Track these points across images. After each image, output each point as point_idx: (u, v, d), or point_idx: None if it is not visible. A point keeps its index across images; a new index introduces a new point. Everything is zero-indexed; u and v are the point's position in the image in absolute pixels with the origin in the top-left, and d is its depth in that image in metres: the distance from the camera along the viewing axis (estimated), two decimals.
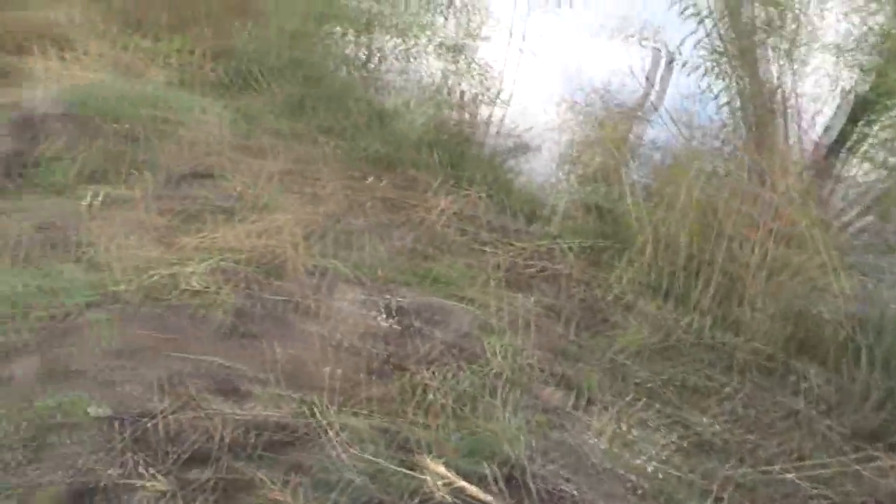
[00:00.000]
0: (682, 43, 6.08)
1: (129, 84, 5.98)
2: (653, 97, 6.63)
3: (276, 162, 5.32)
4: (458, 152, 6.30)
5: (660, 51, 6.63)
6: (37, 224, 4.22)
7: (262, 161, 5.31)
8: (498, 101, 6.93)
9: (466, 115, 7.08)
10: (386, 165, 5.96)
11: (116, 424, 2.76)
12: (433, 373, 3.22)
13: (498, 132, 6.71)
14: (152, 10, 8.83)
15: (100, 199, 4.60)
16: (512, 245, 4.55)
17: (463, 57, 7.27)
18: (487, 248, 4.51)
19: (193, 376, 3.02)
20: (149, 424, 2.76)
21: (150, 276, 3.53)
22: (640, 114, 6.45)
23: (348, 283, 3.89)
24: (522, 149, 6.59)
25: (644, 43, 6.37)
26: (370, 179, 5.43)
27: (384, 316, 3.51)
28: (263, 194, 4.62)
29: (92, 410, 2.83)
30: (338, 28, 8.06)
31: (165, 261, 3.70)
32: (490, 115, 6.98)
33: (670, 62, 6.57)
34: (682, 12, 5.78)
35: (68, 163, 4.90)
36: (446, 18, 7.84)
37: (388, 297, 3.66)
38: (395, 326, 3.48)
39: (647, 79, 6.69)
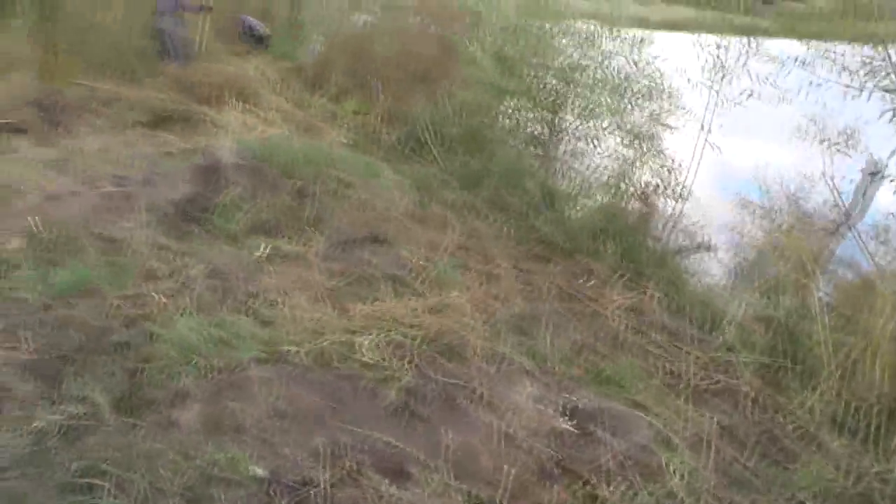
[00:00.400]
0: (892, 155, 5.80)
1: (307, 141, 6.49)
2: (850, 209, 6.28)
3: (450, 235, 5.50)
4: (633, 244, 6.24)
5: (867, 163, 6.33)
6: (210, 270, 4.61)
7: (436, 232, 5.52)
8: (679, 194, 6.89)
9: (644, 206, 7.06)
10: (558, 249, 6.02)
11: (275, 488, 2.89)
12: (609, 485, 3.14)
13: (674, 227, 6.62)
14: (334, 73, 9.69)
15: (267, 250, 4.95)
16: (686, 352, 4.40)
17: (647, 145, 7.31)
18: (661, 352, 4.38)
19: (357, 450, 3.12)
20: (308, 493, 2.87)
21: (322, 340, 3.73)
22: (834, 226, 6.12)
23: (525, 375, 3.91)
24: (701, 247, 6.41)
25: (843, 150, 6.09)
26: (549, 265, 5.48)
27: (560, 415, 3.46)
28: (437, 267, 4.78)
29: (253, 470, 2.99)
30: (520, 103, 8.41)
31: (338, 326, 3.90)
32: (668, 208, 6.96)
33: (875, 174, 6.24)
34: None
35: (244, 213, 5.33)
36: (634, 104, 7.94)
37: (565, 395, 3.62)
38: (570, 428, 3.42)
39: (842, 190, 6.36)
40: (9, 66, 8.75)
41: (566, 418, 3.63)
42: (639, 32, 7.51)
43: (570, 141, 8.00)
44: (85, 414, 3.53)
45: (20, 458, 3.00)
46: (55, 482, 2.87)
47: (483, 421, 3.43)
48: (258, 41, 12.23)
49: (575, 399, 3.81)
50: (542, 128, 8.17)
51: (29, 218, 5.21)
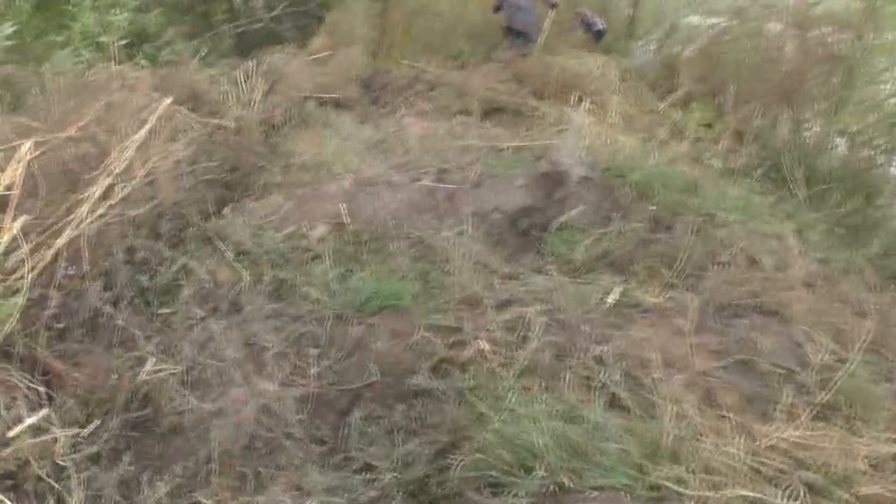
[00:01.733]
0: None
1: (665, 161, 5.13)
2: None
3: (860, 318, 3.84)
4: None
5: None
6: (547, 311, 3.44)
7: (840, 309, 3.89)
8: None
9: None
10: None
11: None
12: None
13: None
14: (682, 76, 8.23)
15: (617, 295, 3.68)
16: None
17: None
18: None
19: None
20: None
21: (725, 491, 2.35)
22: None
23: None
24: None
25: None
26: None
27: None
28: (847, 371, 3.20)
29: None
30: None
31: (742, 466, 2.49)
32: None
33: None
34: None
35: (588, 239, 4.12)
36: None
37: None
38: None
39: None
40: (344, 42, 8.40)
41: None
42: None
43: None
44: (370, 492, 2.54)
45: None
46: None
47: None
48: (596, 35, 11.10)
49: None
50: None
51: (341, 205, 4.43)
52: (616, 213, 4.37)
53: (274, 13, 9.88)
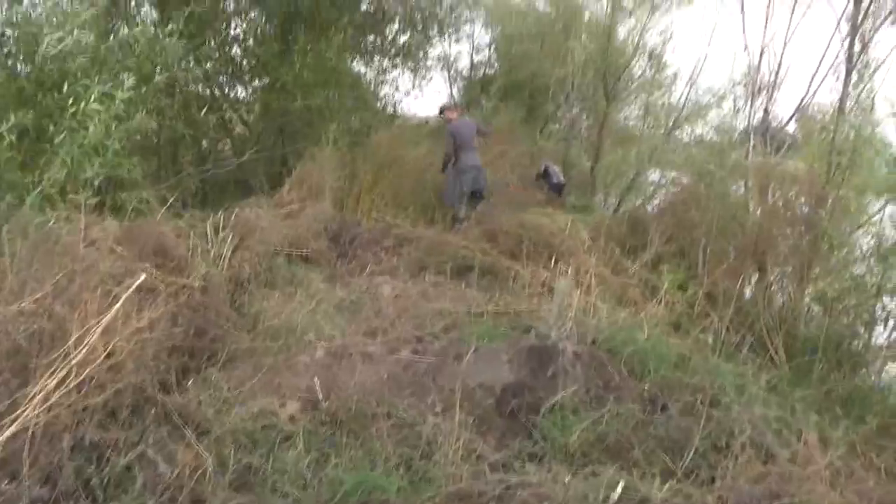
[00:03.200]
0: None
1: (660, 338, 4.96)
2: None
3: None
4: None
5: None
6: None
7: None
8: None
9: None
10: None
11: None
12: None
13: None
14: (653, 236, 8.24)
15: (618, 491, 3.36)
16: None
17: None
18: None
19: None
20: None
21: None
22: None
23: None
24: None
25: None
26: None
27: None
28: None
29: None
30: None
31: None
32: None
33: None
34: None
35: (582, 422, 3.84)
36: None
37: None
38: None
39: None
40: (312, 193, 8.30)
41: None
42: None
43: None
44: None
45: None
46: None
47: None
48: (556, 189, 11.28)
49: None
50: None
51: (314, 379, 4.11)
52: (608, 392, 4.11)
53: (242, 159, 9.82)
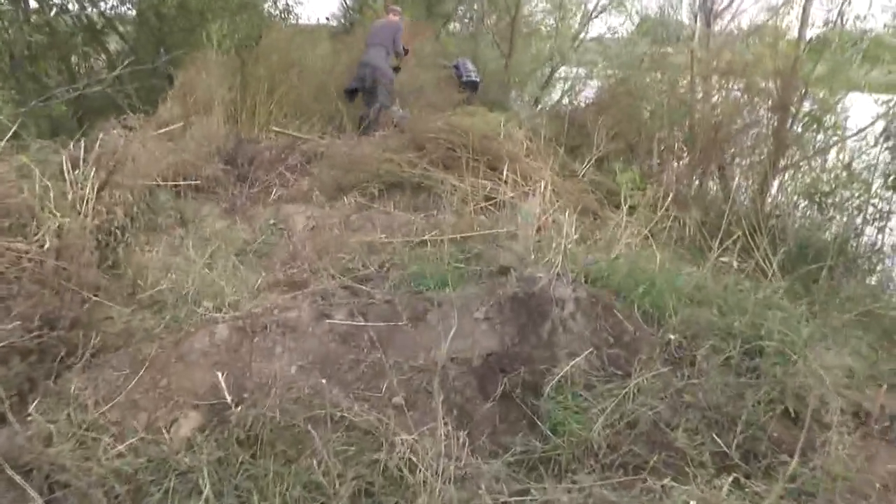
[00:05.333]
0: None
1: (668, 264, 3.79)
2: None
3: None
4: None
5: None
6: None
7: None
8: None
9: None
10: None
11: None
12: None
13: None
14: (597, 132, 7.05)
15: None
16: None
17: None
18: None
19: None
20: None
21: None
22: None
23: None
24: None
25: None
26: None
27: None
28: None
29: None
30: None
31: None
32: None
33: None
34: None
35: (602, 402, 2.67)
36: None
37: None
38: None
39: None
40: (200, 107, 6.65)
41: None
42: None
43: None
44: None
45: None
46: None
47: None
48: (471, 87, 9.88)
49: None
50: None
51: (218, 374, 2.77)
52: (624, 350, 2.94)
53: (114, 74, 7.97)
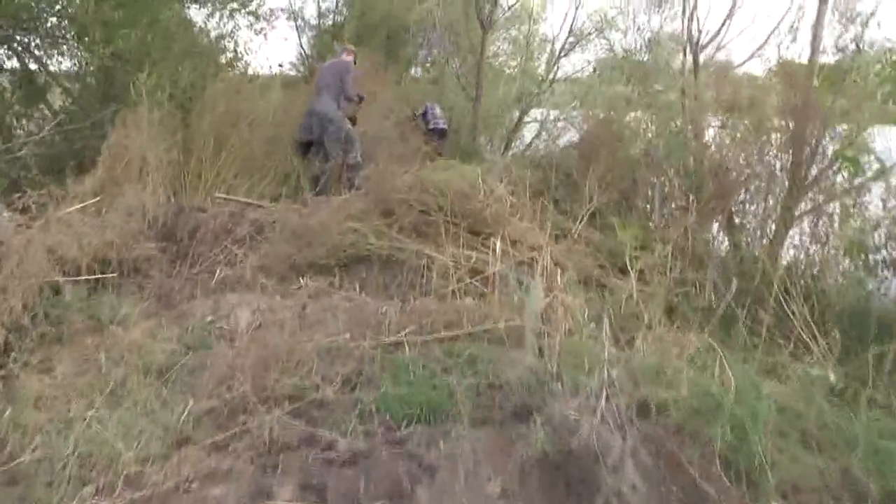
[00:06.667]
0: None
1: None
2: None
3: None
4: None
5: None
6: None
7: None
8: None
9: None
10: None
11: None
12: None
13: None
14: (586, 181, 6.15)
15: None
16: None
17: None
18: None
19: None
20: None
21: None
22: None
23: None
24: None
25: None
26: None
27: None
28: None
29: None
30: None
31: None
32: None
33: None
34: None
35: None
36: None
37: None
38: None
39: None
40: (133, 174, 5.62)
41: None
42: None
43: None
44: None
45: None
46: None
47: None
48: (440, 135, 8.98)
49: None
50: None
51: None
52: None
53: (40, 135, 6.91)
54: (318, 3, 12.63)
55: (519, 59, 12.23)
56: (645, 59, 7.46)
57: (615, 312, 3.84)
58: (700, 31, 6.53)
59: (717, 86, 5.81)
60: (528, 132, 11.52)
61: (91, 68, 7.36)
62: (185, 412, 2.93)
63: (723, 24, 6.62)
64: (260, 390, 3.12)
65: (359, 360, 3.34)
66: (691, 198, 5.32)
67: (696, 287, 4.59)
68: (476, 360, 3.18)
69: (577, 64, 11.03)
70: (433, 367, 3.22)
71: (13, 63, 7.46)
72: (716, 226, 5.72)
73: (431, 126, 8.89)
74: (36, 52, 7.35)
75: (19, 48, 7.24)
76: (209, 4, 9.39)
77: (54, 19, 6.88)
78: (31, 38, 7.08)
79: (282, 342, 3.50)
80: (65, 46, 7.37)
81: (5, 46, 7.12)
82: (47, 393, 3.02)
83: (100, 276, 4.11)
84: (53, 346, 3.44)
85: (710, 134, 6.01)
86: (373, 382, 3.16)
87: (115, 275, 4.22)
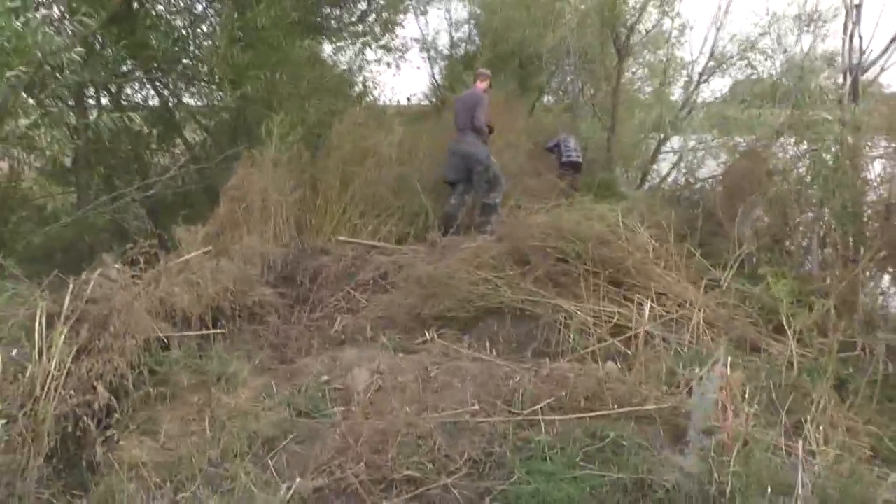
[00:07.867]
0: None
1: None
2: None
3: None
4: None
5: None
6: None
7: None
8: None
9: None
10: None
11: None
12: None
13: None
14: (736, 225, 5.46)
15: None
16: None
17: None
18: None
19: None
20: None
21: None
22: None
23: None
24: None
25: None
26: None
27: None
28: None
29: None
30: None
31: None
32: None
33: None
34: None
35: None
36: None
37: None
38: None
39: None
40: (255, 215, 5.49)
41: None
42: None
43: None
44: None
45: None
46: None
47: None
48: (575, 168, 8.42)
49: None
50: None
51: None
52: None
53: (171, 174, 6.97)
54: (451, 33, 12.46)
55: (656, 85, 11.51)
56: (794, 83, 6.64)
57: (775, 384, 3.23)
58: (862, 52, 5.67)
59: (883, 113, 4.97)
60: (664, 162, 10.72)
61: (223, 105, 7.40)
62: (290, 493, 2.60)
63: (891, 42, 5.73)
64: (375, 469, 2.75)
65: (488, 439, 2.90)
66: (852, 242, 4.53)
67: (865, 351, 3.86)
68: (622, 446, 2.67)
69: (717, 89, 10.22)
70: (572, 452, 2.74)
71: (152, 101, 7.67)
72: (887, 278, 4.87)
73: (565, 159, 8.38)
74: (172, 88, 7.53)
75: (159, 85, 7.43)
76: (340, 40, 9.47)
77: (188, 60, 6.94)
78: (169, 78, 7.21)
79: (402, 412, 3.12)
80: (198, 85, 7.50)
81: (146, 83, 7.32)
82: (147, 459, 2.78)
83: (209, 331, 3.87)
84: (158, 405, 3.20)
85: (875, 169, 5.14)
86: (504, 466, 2.72)
87: (223, 330, 3.97)
